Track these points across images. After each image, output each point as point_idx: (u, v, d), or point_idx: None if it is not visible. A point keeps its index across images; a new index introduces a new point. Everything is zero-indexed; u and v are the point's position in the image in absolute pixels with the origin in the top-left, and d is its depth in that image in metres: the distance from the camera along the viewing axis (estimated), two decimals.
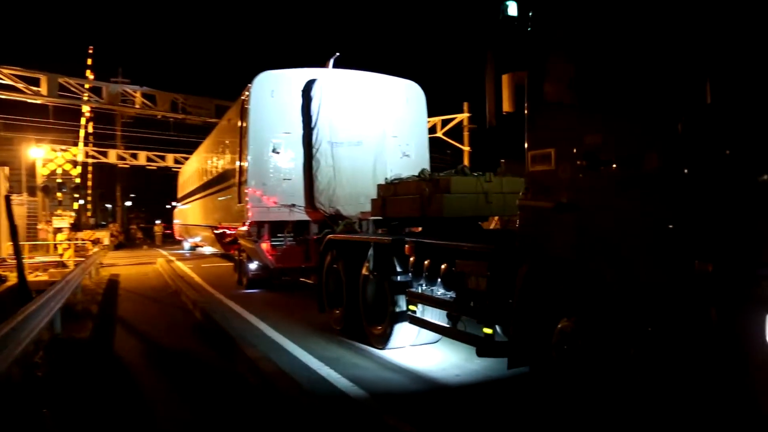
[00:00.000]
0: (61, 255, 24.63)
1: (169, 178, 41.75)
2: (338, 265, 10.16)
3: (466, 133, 28.72)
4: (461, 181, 8.59)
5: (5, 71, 27.74)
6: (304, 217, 14.29)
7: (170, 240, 44.47)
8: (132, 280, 20.13)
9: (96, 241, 31.29)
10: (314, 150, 13.96)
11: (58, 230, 28.17)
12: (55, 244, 27.21)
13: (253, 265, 16.04)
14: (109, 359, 8.87)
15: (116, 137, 45.63)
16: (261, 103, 14.13)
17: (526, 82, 5.79)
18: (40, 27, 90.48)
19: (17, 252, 13.99)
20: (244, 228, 14.52)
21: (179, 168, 37.76)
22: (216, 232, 19.68)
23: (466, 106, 28.75)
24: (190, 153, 31.68)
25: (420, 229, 9.99)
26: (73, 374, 7.84)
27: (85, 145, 39.29)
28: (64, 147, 35.20)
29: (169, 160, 39.99)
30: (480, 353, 6.65)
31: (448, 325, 7.33)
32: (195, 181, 25.58)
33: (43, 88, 29.88)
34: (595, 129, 4.96)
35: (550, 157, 5.41)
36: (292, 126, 14.25)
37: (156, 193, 71.73)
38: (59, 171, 33.73)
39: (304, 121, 14.26)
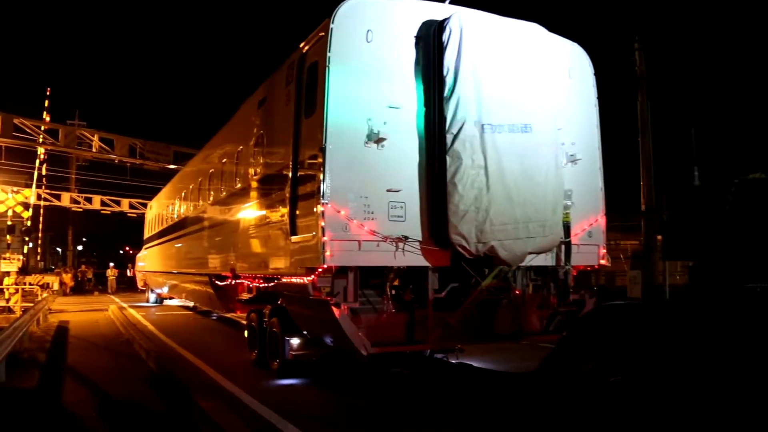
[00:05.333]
0: (8, 300, 22.38)
1: (124, 222, 40.39)
2: None
3: None
4: None
5: None
6: (420, 260, 7.30)
7: (123, 287, 39.49)
8: (83, 328, 17.38)
9: (45, 286, 28.05)
10: (449, 138, 7.13)
11: (6, 274, 25.35)
12: (2, 289, 24.32)
13: (295, 341, 8.78)
14: (57, 411, 7.80)
15: (70, 180, 42.67)
16: (350, 52, 7.26)
17: None
18: None
19: None
20: (306, 279, 7.36)
21: (134, 213, 35.23)
22: (219, 284, 12.26)
23: None
24: (148, 199, 28.51)
25: None
26: (18, 427, 7.21)
27: (38, 187, 35.51)
28: (15, 189, 32.28)
29: (125, 205, 37.35)
30: None
31: None
32: (177, 213, 18.03)
33: None
34: None
35: None
36: (401, 95, 7.41)
37: (109, 238, 65.64)
38: (10, 213, 31.32)
39: (424, 88, 7.41)
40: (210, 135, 14.74)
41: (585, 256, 8.43)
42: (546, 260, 8.07)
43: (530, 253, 7.44)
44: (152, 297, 25.79)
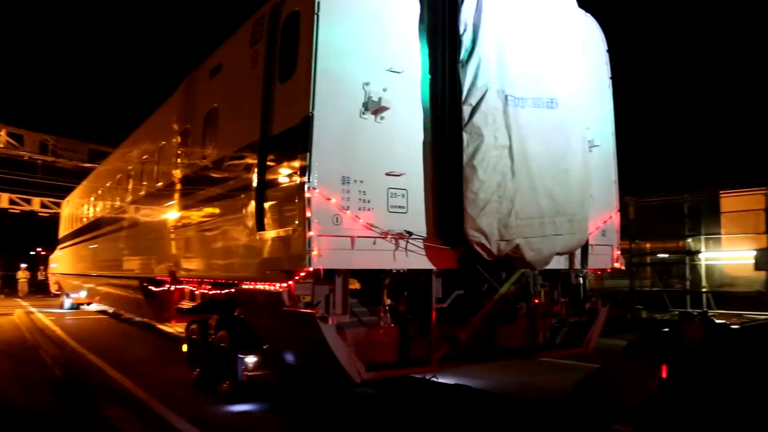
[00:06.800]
0: None
1: (36, 222, 37.66)
2: None
3: None
4: None
5: None
6: (424, 262, 5.73)
7: (33, 290, 35.73)
8: None
9: None
10: (466, 110, 5.62)
11: None
12: None
13: (251, 359, 7.00)
14: None
15: None
16: (342, 4, 5.56)
17: None
18: None
19: None
20: (278, 286, 5.62)
21: (47, 213, 32.88)
22: (152, 289, 10.20)
23: None
24: (62, 198, 26.05)
25: None
26: None
27: None
28: None
29: (36, 204, 34.22)
30: None
31: None
32: (99, 209, 15.59)
33: None
34: None
35: None
36: (403, 57, 5.83)
37: (19, 239, 60.55)
38: None
39: (431, 50, 5.87)
40: (130, 133, 12.82)
41: (598, 258, 7.11)
42: (558, 263, 6.68)
43: (558, 253, 6.03)
44: (67, 302, 22.89)
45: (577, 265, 6.79)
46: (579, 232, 6.15)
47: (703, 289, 15.55)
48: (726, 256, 16.27)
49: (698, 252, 15.99)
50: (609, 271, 7.43)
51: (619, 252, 7.31)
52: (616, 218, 7.33)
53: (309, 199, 5.20)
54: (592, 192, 6.82)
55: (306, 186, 5.21)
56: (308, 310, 5.37)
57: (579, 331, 7.20)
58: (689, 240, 16.15)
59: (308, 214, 5.18)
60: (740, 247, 15.40)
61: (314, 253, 5.15)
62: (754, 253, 14.34)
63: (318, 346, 5.37)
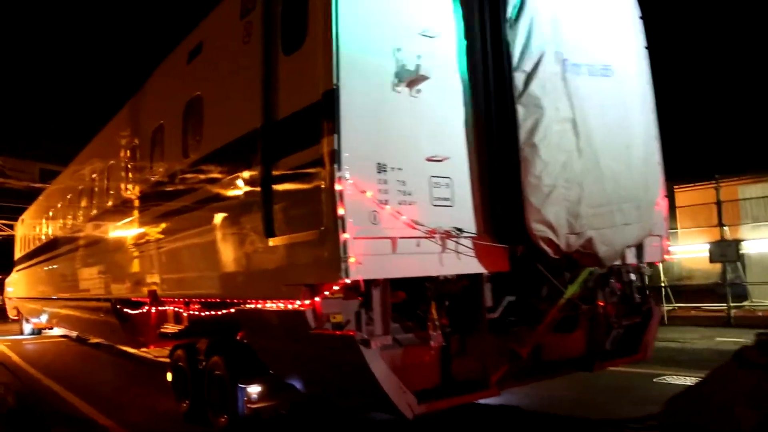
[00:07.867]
0: None
1: None
2: None
3: None
4: None
5: None
6: (475, 265, 4.65)
7: None
8: None
9: None
10: (519, 77, 4.57)
11: None
12: None
13: (255, 389, 5.82)
14: None
15: None
16: None
17: None
18: None
19: None
20: (299, 304, 4.44)
21: None
22: (128, 312, 8.83)
23: None
24: (13, 220, 25.07)
25: None
26: None
27: None
28: None
29: None
30: None
31: None
32: (62, 225, 13.95)
33: None
34: None
35: None
36: (438, 18, 4.76)
37: None
38: None
39: (468, 8, 4.81)
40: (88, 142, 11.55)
41: (648, 250, 6.14)
42: None
43: (629, 246, 5.03)
44: (27, 328, 20.99)
45: (630, 259, 5.81)
46: (646, 219, 5.15)
47: (662, 284, 15.18)
48: (682, 250, 16.21)
49: None
50: (657, 264, 6.49)
51: (669, 242, 6.36)
52: (663, 205, 6.37)
53: (341, 193, 4.05)
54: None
55: (336, 176, 4.06)
56: (345, 333, 4.22)
57: (630, 334, 6.23)
58: None
59: (341, 212, 4.04)
60: (695, 240, 15.33)
61: (351, 260, 4.01)
62: (708, 246, 14.22)
63: (357, 376, 4.22)
